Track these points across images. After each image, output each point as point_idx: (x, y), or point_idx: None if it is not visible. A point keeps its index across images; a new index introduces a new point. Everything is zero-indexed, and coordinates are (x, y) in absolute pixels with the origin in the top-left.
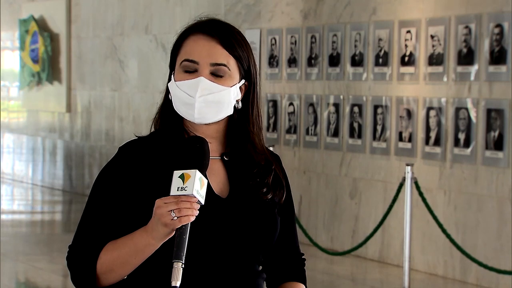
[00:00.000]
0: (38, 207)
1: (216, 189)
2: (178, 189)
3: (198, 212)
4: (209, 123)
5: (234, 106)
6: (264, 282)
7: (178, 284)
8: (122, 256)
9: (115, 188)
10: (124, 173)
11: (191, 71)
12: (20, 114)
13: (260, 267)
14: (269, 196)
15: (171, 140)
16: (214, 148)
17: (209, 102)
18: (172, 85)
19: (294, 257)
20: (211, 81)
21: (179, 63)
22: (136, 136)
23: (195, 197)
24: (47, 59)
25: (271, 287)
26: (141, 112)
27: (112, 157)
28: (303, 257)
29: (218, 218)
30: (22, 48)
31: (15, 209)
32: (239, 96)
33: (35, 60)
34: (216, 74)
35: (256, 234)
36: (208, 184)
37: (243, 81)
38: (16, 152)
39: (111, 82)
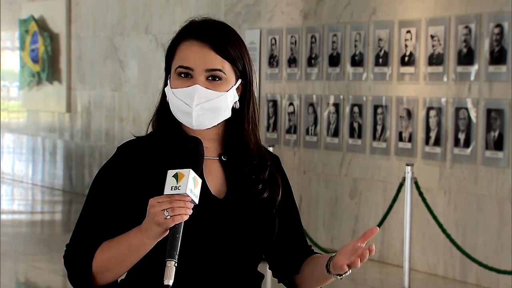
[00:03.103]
0: (38, 207)
1: (213, 189)
2: (171, 188)
3: (191, 211)
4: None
5: (233, 107)
6: (262, 282)
7: (170, 283)
8: (117, 255)
9: (112, 188)
10: (121, 172)
11: (187, 75)
12: (20, 114)
13: (257, 267)
14: (265, 195)
15: (169, 141)
16: (213, 149)
17: (206, 109)
18: (168, 92)
19: (305, 249)
20: (207, 88)
21: (174, 69)
22: (134, 136)
23: (188, 196)
24: (47, 59)
25: (279, 279)
26: (141, 112)
27: (111, 157)
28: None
29: (215, 219)
30: (22, 48)
31: (15, 209)
32: (236, 98)
33: (35, 60)
34: (212, 78)
35: (252, 235)
36: (205, 185)
37: (239, 81)
38: (16, 152)
39: (111, 82)
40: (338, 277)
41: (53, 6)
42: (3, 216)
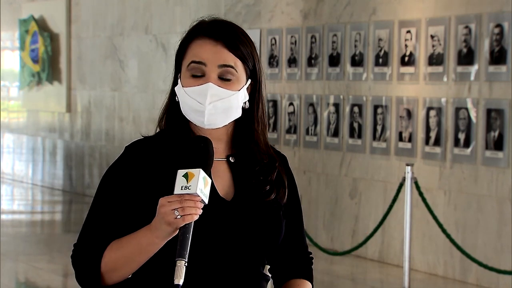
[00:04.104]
0: (38, 207)
1: (221, 191)
2: (182, 188)
3: (201, 211)
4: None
5: (242, 107)
6: (267, 284)
7: (181, 282)
8: (126, 254)
9: (120, 187)
10: (129, 172)
11: (199, 75)
12: (20, 114)
13: (264, 269)
14: (273, 196)
15: (177, 140)
16: (221, 150)
17: (218, 108)
18: (179, 90)
19: (302, 256)
20: (219, 86)
21: (186, 66)
22: (142, 136)
23: (198, 196)
24: (47, 59)
25: (279, 286)
26: (141, 112)
27: (119, 156)
28: (310, 256)
29: (222, 221)
30: (22, 48)
31: (15, 209)
32: (246, 97)
33: (35, 60)
34: (224, 78)
35: (260, 237)
36: (213, 187)
37: (249, 81)
38: (16, 152)
39: (111, 82)
40: None
41: (53, 6)
42: (3, 216)
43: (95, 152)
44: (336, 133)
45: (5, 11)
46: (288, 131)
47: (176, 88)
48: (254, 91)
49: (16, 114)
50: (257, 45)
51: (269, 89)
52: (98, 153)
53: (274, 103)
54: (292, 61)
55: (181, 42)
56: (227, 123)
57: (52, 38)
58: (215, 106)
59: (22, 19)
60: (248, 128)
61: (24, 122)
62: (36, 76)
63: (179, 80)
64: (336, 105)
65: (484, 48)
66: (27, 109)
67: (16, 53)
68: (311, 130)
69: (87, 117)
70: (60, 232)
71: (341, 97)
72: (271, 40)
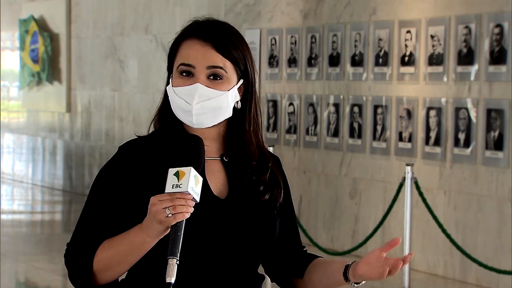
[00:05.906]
0: (38, 207)
1: (215, 190)
2: (173, 186)
3: (193, 209)
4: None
5: (234, 107)
6: (262, 283)
7: (172, 280)
8: (118, 253)
9: (113, 187)
10: (122, 171)
11: (188, 75)
12: (20, 114)
13: (257, 269)
14: (267, 196)
15: (170, 140)
16: (214, 149)
17: (206, 108)
18: (170, 90)
19: (299, 252)
20: (208, 86)
21: (176, 67)
22: (136, 136)
23: (189, 194)
24: (47, 59)
25: (278, 282)
26: (141, 112)
27: (112, 156)
28: (305, 249)
29: (216, 219)
30: (22, 48)
31: (15, 209)
32: (237, 97)
33: (35, 60)
34: (213, 77)
35: (254, 236)
36: (207, 185)
37: (241, 82)
38: (16, 152)
39: (111, 82)
40: (356, 285)
41: (53, 6)
42: (3, 216)
43: (95, 152)
44: (336, 133)
45: (5, 11)
46: (288, 131)
47: (167, 88)
48: (247, 92)
49: (16, 114)
50: (257, 45)
51: (269, 89)
52: (98, 153)
53: (274, 103)
54: (292, 61)
55: (172, 43)
56: (216, 123)
57: (52, 38)
58: (203, 106)
59: (22, 19)
60: (240, 128)
61: (24, 122)
62: (36, 76)
63: (170, 79)
64: (336, 105)
65: (484, 48)
66: (27, 109)
67: (16, 53)
68: (311, 130)
69: (87, 117)
70: (60, 232)
71: (341, 97)
72: (271, 40)
